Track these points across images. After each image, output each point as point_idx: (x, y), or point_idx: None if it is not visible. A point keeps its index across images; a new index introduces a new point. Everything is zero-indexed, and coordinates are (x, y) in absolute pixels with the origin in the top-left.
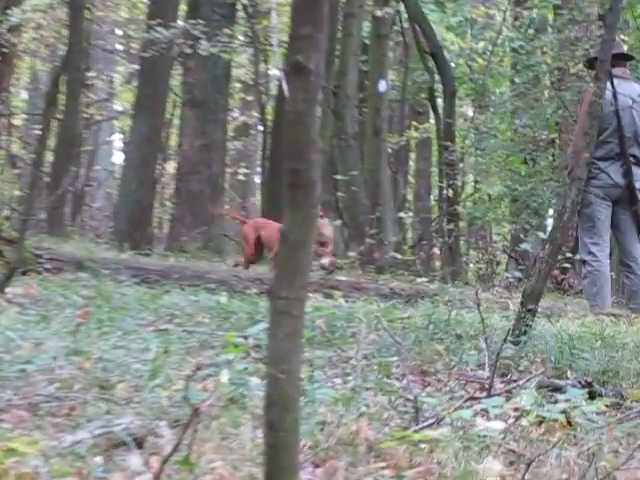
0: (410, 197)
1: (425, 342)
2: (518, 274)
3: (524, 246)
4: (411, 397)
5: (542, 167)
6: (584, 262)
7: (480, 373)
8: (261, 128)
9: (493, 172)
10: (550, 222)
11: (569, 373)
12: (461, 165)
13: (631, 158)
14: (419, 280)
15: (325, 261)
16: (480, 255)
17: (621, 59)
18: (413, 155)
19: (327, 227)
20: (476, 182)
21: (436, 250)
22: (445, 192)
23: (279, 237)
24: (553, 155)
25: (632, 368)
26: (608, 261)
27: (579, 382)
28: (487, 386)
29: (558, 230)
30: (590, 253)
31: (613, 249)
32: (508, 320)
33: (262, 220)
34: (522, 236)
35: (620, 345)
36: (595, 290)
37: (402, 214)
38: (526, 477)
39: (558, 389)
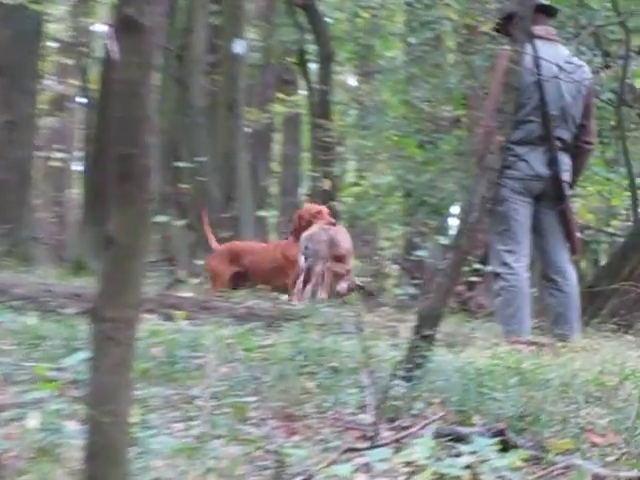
0: (274, 190)
1: (292, 377)
2: (412, 290)
3: (420, 254)
4: (273, 448)
5: (444, 153)
6: (497, 275)
7: (362, 418)
8: (83, 101)
9: (381, 158)
10: (454, 223)
11: (476, 418)
12: (340, 149)
13: (558, 142)
14: (285, 298)
15: (343, 286)
16: (364, 266)
17: (544, 14)
18: (278, 136)
19: (344, 236)
20: (359, 171)
21: None
22: (319, 184)
23: (283, 259)
24: (458, 138)
25: (556, 412)
26: (527, 274)
27: (489, 430)
28: (371, 434)
29: (464, 234)
30: (504, 264)
31: (534, 259)
32: (398, 349)
33: (239, 245)
34: (418, 241)
35: (542, 382)
36: (511, 311)
37: (263, 212)
38: None
39: (462, 438)
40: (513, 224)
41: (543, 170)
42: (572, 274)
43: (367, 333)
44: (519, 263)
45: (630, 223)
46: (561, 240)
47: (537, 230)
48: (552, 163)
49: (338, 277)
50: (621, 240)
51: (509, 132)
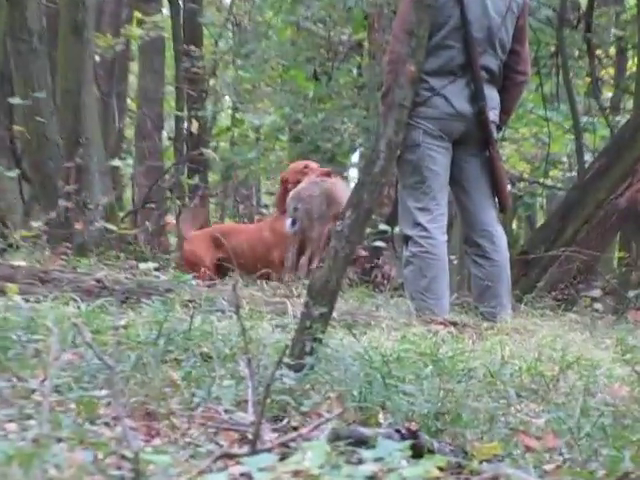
0: (130, 133)
1: (153, 366)
2: (303, 257)
3: None
4: (130, 454)
5: (341, 86)
6: (407, 239)
7: (240, 416)
8: None
9: (263, 93)
10: (354, 175)
11: (381, 416)
12: (212, 82)
13: (483, 72)
14: (144, 267)
15: None
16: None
17: None
18: (135, 66)
19: (344, 188)
20: (235, 110)
21: (171, 219)
22: (186, 125)
23: (272, 237)
24: (359, 67)
25: (482, 409)
26: (445, 237)
27: (397, 431)
28: (251, 437)
29: (365, 188)
30: (417, 225)
31: (453, 219)
32: (286, 332)
33: (221, 228)
34: None
35: (464, 372)
36: (424, 283)
37: (117, 161)
38: None
39: (364, 442)
40: (428, 175)
41: (465, 107)
42: (501, 237)
43: (246, 311)
44: (435, 224)
45: (573, 173)
46: (487, 195)
47: (458, 182)
48: (476, 98)
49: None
50: (562, 194)
51: (422, 60)
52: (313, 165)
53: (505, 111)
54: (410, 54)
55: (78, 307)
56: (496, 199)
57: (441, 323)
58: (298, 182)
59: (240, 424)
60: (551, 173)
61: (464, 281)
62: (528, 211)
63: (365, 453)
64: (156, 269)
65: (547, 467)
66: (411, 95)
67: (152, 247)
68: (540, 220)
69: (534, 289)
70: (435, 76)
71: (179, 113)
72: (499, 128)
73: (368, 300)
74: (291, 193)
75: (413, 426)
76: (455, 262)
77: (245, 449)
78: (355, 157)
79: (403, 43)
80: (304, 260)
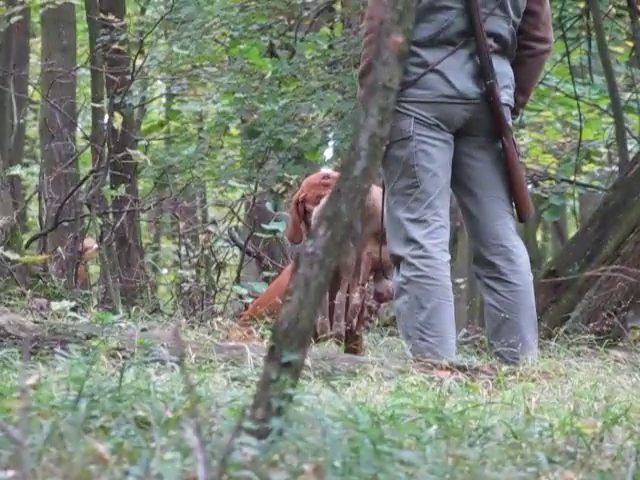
0: (34, 132)
1: (73, 437)
2: (264, 289)
3: (273, 228)
4: None
5: (307, 63)
6: (398, 261)
7: None
8: None
9: (206, 76)
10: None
11: None
12: (138, 62)
13: (491, 41)
14: (57, 307)
15: (387, 284)
16: (184, 250)
17: None
18: (37, 43)
19: (380, 200)
20: (170, 97)
21: (92, 243)
22: (107, 120)
23: None
24: (330, 38)
25: None
26: (447, 257)
27: None
28: None
29: (343, 196)
30: (410, 242)
31: (458, 232)
32: (245, 386)
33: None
34: (269, 208)
35: (478, 433)
36: (423, 317)
37: (17, 169)
38: None
39: None
40: (422, 177)
41: (468, 87)
42: (522, 254)
43: (192, 361)
44: (433, 239)
45: (614, 168)
46: (502, 199)
47: (462, 185)
48: (483, 75)
49: (378, 268)
50: (600, 195)
51: (411, 27)
52: (335, 174)
53: (522, 90)
54: (396, 20)
55: None
56: (513, 204)
57: (446, 368)
58: (319, 198)
59: None
60: (585, 168)
61: (475, 312)
62: (556, 218)
63: None
64: (73, 309)
65: None
66: (398, 74)
67: (67, 280)
68: (572, 230)
69: (567, 320)
70: (428, 47)
71: (97, 104)
72: (515, 112)
73: (352, 342)
74: (314, 214)
75: None
76: (463, 287)
77: None
78: (328, 154)
79: (386, 5)
80: (341, 297)
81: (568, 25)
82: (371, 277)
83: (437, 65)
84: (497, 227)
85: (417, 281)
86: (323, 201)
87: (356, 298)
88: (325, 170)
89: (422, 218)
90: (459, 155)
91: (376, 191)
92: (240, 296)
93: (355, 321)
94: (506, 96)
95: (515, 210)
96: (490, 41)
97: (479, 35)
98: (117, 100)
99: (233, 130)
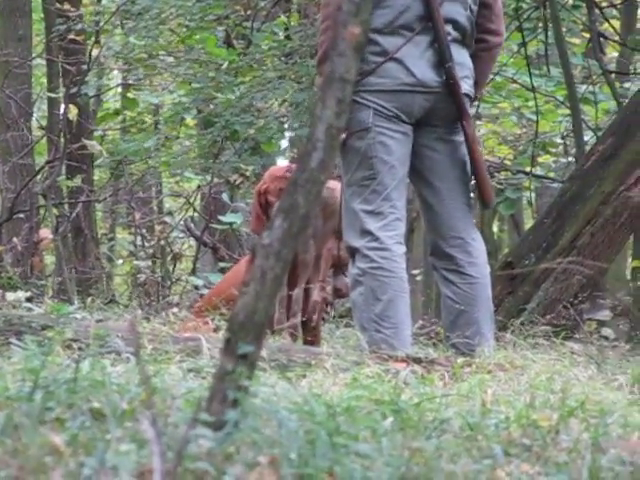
0: None
1: (28, 429)
2: (218, 279)
3: (230, 219)
4: None
5: (264, 53)
6: (353, 253)
7: None
8: None
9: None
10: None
11: None
12: (94, 52)
13: (449, 27)
14: (12, 297)
15: (344, 280)
16: (139, 240)
17: None
18: None
19: (337, 189)
20: (126, 87)
21: (47, 233)
22: (63, 110)
23: None
24: (286, 28)
25: (459, 473)
26: (403, 248)
27: None
28: None
29: (300, 188)
30: (366, 233)
31: (414, 223)
32: (201, 378)
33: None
34: (225, 199)
35: (434, 425)
36: (379, 309)
37: None
38: None
39: None
40: (379, 169)
41: (428, 74)
42: (479, 246)
43: (148, 352)
44: (389, 231)
45: (570, 159)
46: (461, 191)
47: (420, 175)
48: (442, 61)
49: (337, 265)
50: (556, 187)
51: (368, 18)
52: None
53: (476, 82)
54: (352, 11)
55: None
56: (474, 193)
57: (402, 360)
58: (282, 191)
59: None
60: (541, 159)
61: (431, 303)
62: (511, 210)
63: None
64: (28, 299)
65: None
66: (355, 65)
67: (22, 271)
68: (528, 221)
69: (523, 312)
70: (387, 34)
71: (53, 94)
72: (472, 101)
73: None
74: (276, 206)
75: None
76: (418, 278)
77: None
78: (284, 144)
79: None
80: (298, 293)
81: (525, 16)
82: (330, 273)
83: (396, 53)
84: (456, 220)
85: (373, 273)
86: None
87: (316, 294)
88: (283, 161)
89: (378, 210)
90: (419, 147)
91: (338, 189)
92: (196, 287)
93: (315, 317)
94: (466, 86)
95: (478, 197)
96: (448, 28)
97: (436, 19)
98: (73, 90)
99: (189, 120)
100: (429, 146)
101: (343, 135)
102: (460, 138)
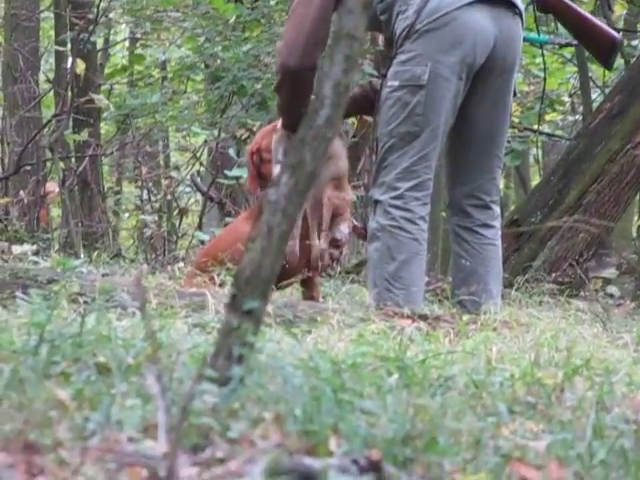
0: None
1: (33, 383)
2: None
3: (235, 174)
4: None
5: (271, 8)
6: (377, 204)
7: (148, 446)
8: None
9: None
10: None
11: (333, 442)
12: (102, 6)
13: None
14: (19, 250)
15: (344, 230)
16: (146, 195)
17: None
18: None
19: (339, 147)
20: (134, 42)
21: (54, 187)
22: (70, 64)
23: None
24: None
25: (464, 430)
26: (427, 210)
27: (354, 462)
28: (164, 473)
29: (307, 145)
30: (392, 189)
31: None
32: (207, 333)
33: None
34: (232, 154)
35: (439, 383)
36: (393, 268)
37: None
38: None
39: (311, 477)
40: (425, 127)
41: (488, 28)
42: (497, 210)
43: (154, 307)
44: (419, 191)
45: (577, 117)
46: (497, 155)
47: (462, 132)
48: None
49: (337, 214)
50: (563, 145)
51: None
52: None
53: None
54: None
55: None
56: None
57: (408, 317)
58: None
59: (149, 457)
60: (548, 117)
61: (436, 260)
62: (517, 162)
63: None
64: (34, 253)
65: None
66: (363, 22)
67: (29, 224)
68: (535, 178)
69: (529, 269)
70: None
71: (60, 48)
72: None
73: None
74: (272, 144)
75: (374, 455)
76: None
77: None
78: None
79: None
80: (318, 242)
81: None
82: None
83: (457, 8)
84: (484, 180)
85: (391, 231)
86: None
87: (323, 242)
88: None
89: (413, 168)
90: (468, 103)
91: (335, 140)
92: (202, 242)
93: (322, 265)
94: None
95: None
96: None
97: None
98: (81, 44)
99: (195, 76)
100: (479, 104)
101: (395, 83)
102: (509, 99)
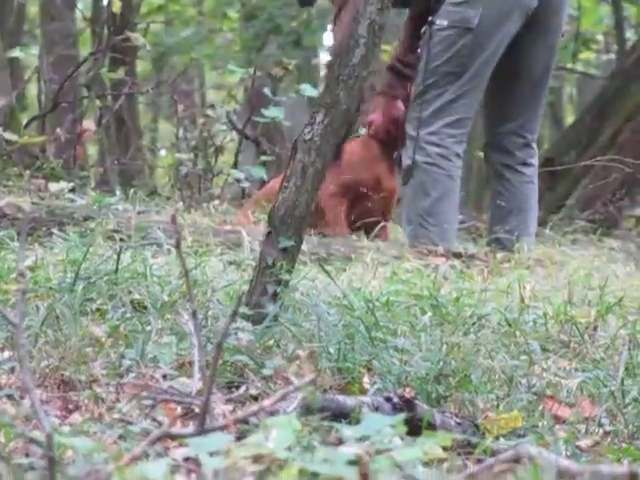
0: (34, 12)
1: (69, 320)
2: (261, 173)
3: (272, 114)
4: (41, 436)
5: None
6: (411, 140)
7: (183, 384)
8: None
9: None
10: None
11: (367, 380)
12: None
13: None
14: (55, 188)
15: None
16: (181, 133)
17: None
18: None
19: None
20: None
21: (90, 125)
22: (107, 2)
23: None
24: None
25: (496, 368)
26: (463, 148)
27: (388, 399)
28: (198, 410)
29: (342, 83)
30: (429, 124)
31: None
32: (242, 270)
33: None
34: (268, 92)
35: (472, 321)
36: (427, 204)
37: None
38: None
39: (344, 415)
40: (470, 68)
41: None
42: (536, 150)
43: (189, 244)
44: (455, 129)
45: (612, 56)
46: (545, 95)
47: (514, 70)
48: None
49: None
50: (597, 84)
51: None
52: None
53: None
54: None
55: None
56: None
57: (442, 255)
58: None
59: (184, 394)
60: (582, 56)
61: (469, 199)
62: (551, 98)
63: (346, 430)
64: (71, 190)
65: (582, 443)
66: None
67: (65, 162)
68: (569, 117)
69: (562, 208)
70: None
71: None
72: None
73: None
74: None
75: (408, 393)
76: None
77: (191, 427)
78: (327, 38)
79: None
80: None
81: None
82: None
83: None
84: (527, 120)
85: (426, 168)
86: None
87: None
88: (325, 55)
89: (452, 106)
90: (520, 42)
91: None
92: (238, 180)
93: None
94: None
95: None
96: None
97: None
98: None
99: (232, 14)
100: (533, 43)
101: (445, 22)
102: (558, 38)
